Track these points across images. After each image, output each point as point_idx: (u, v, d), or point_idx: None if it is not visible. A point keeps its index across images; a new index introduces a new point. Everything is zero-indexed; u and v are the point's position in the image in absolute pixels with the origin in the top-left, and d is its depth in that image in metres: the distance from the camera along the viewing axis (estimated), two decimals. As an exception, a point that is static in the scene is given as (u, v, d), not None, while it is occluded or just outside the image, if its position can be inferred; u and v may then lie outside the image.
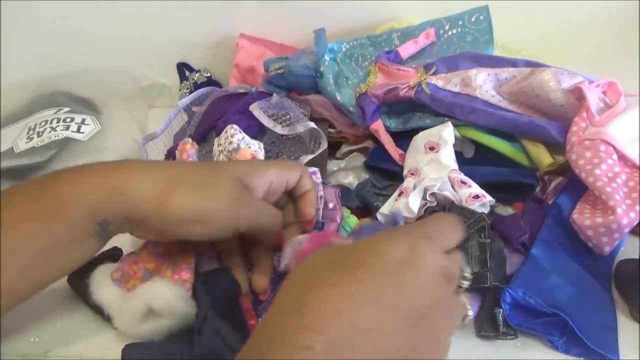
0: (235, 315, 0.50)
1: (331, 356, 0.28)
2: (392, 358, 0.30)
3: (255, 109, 0.70)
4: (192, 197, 0.43)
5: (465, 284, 0.39)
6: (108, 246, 0.59)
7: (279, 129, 0.68)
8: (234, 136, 0.61)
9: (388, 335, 0.30)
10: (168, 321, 0.50)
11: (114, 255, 0.59)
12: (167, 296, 0.49)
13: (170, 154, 0.70)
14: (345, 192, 0.65)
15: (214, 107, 0.77)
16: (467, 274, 0.39)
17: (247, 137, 0.63)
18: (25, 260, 0.41)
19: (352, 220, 0.60)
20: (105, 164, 0.44)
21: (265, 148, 0.65)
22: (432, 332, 0.32)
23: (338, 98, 0.72)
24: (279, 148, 0.71)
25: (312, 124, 0.67)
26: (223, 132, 0.63)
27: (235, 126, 0.63)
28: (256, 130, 0.73)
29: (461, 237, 0.39)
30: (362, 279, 0.31)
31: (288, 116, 0.69)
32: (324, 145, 0.67)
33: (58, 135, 0.73)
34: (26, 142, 0.73)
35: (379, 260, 0.32)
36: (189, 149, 0.60)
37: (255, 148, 0.62)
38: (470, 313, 0.43)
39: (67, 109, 0.78)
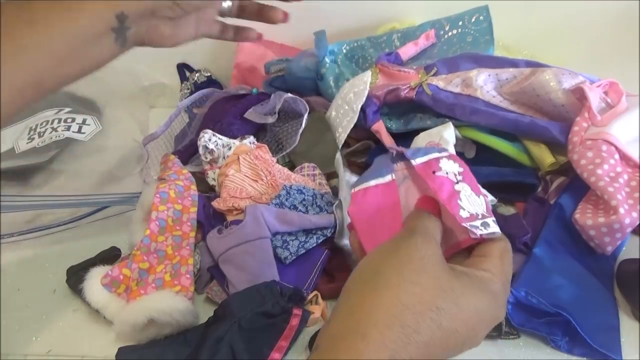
0: (264, 334, 0.50)
1: None
2: None
3: (249, 113, 0.72)
4: None
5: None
6: (107, 246, 0.60)
7: (270, 120, 0.71)
8: (209, 145, 0.65)
9: None
10: (169, 330, 0.51)
11: (114, 255, 0.59)
12: (172, 311, 0.49)
13: (182, 155, 0.71)
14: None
15: (215, 109, 0.77)
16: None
17: (224, 138, 0.66)
18: (55, 54, 0.43)
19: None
20: None
21: (271, 139, 0.72)
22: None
23: (339, 99, 0.72)
24: (280, 135, 0.73)
25: (287, 94, 0.70)
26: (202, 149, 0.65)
27: (203, 140, 0.65)
28: (256, 131, 0.73)
29: None
30: (450, 345, 0.32)
31: (272, 105, 0.71)
32: (307, 108, 0.70)
33: (59, 136, 0.73)
34: (27, 143, 0.73)
35: (468, 333, 0.33)
36: (174, 159, 0.65)
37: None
38: None
39: (68, 109, 0.78)
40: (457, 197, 0.42)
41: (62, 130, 0.73)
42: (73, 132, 0.73)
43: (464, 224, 0.40)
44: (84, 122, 0.76)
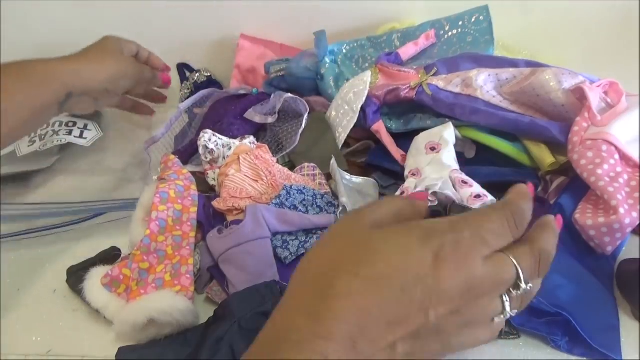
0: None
1: None
2: None
3: (249, 113, 0.72)
4: (117, 65, 0.67)
5: (514, 293, 0.33)
6: (107, 246, 0.60)
7: (270, 120, 0.71)
8: (209, 145, 0.65)
9: (397, 345, 0.30)
10: (169, 330, 0.51)
11: (114, 255, 0.59)
12: (172, 311, 0.49)
13: (182, 155, 0.71)
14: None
15: (215, 109, 0.77)
16: (522, 283, 0.32)
17: (224, 138, 0.66)
18: (20, 119, 0.58)
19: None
20: (68, 57, 0.65)
21: (271, 139, 0.73)
22: (446, 341, 0.32)
23: (339, 99, 0.72)
24: (280, 135, 0.73)
25: (287, 94, 0.71)
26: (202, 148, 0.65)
27: (203, 140, 0.65)
28: (256, 131, 0.73)
29: (518, 234, 0.34)
30: (379, 293, 0.30)
31: (273, 105, 0.72)
32: (307, 109, 0.71)
33: (60, 140, 0.72)
34: (28, 146, 0.73)
35: (399, 275, 0.30)
36: (174, 159, 0.65)
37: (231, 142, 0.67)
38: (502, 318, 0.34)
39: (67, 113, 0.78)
40: None
41: (64, 135, 0.73)
42: (75, 137, 0.73)
43: None
44: (85, 127, 0.75)
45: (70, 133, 0.74)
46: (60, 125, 0.75)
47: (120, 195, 0.70)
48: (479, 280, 0.31)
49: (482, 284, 0.31)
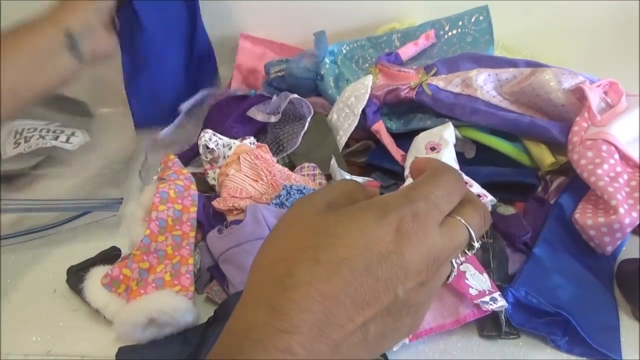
0: None
1: (311, 356, 0.28)
2: (373, 345, 0.30)
3: (252, 111, 0.72)
4: None
5: (469, 253, 0.34)
6: (107, 246, 0.60)
7: (273, 119, 0.71)
8: (209, 145, 0.65)
9: (368, 325, 0.30)
10: (169, 330, 0.51)
11: (114, 255, 0.59)
12: (172, 311, 0.49)
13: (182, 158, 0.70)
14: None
15: (214, 112, 0.77)
16: (474, 242, 0.33)
17: (224, 138, 0.66)
18: (22, 67, 0.56)
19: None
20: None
21: (271, 140, 0.73)
22: (415, 312, 0.32)
23: (339, 99, 0.72)
24: (281, 136, 0.73)
25: (293, 95, 0.70)
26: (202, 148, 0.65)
27: (204, 140, 0.65)
28: (256, 131, 0.73)
29: (462, 195, 0.34)
30: (341, 276, 0.29)
31: (276, 105, 0.71)
32: (311, 111, 0.70)
33: (46, 143, 0.72)
34: (14, 148, 0.72)
35: (362, 254, 0.29)
36: (174, 159, 0.65)
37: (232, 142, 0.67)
38: (455, 270, 0.35)
39: (57, 123, 0.78)
40: (464, 276, 0.45)
41: (50, 139, 0.73)
42: (61, 141, 0.73)
43: (475, 302, 0.46)
44: (72, 134, 0.75)
45: (56, 138, 0.73)
46: (47, 132, 0.74)
47: (104, 197, 0.70)
48: (440, 249, 0.31)
49: (443, 252, 0.31)
